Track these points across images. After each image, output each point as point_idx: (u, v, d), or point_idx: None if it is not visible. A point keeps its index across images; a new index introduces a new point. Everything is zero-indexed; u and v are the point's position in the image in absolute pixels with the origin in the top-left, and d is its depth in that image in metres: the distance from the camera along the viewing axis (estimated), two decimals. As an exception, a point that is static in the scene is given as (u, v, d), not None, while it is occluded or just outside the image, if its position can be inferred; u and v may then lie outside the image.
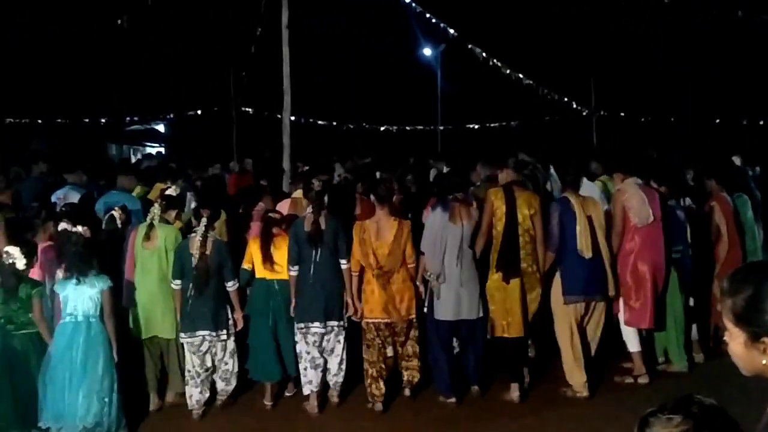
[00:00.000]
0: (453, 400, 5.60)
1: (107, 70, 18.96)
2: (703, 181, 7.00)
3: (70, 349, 4.86)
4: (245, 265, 5.60)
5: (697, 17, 13.69)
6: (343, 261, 5.51)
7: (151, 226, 5.45)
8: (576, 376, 5.73)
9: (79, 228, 5.05)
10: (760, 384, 1.69)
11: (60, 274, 5.17)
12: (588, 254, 5.60)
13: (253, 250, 5.59)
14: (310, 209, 5.56)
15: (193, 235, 5.37)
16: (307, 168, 9.08)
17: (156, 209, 5.49)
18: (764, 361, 1.62)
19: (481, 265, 5.69)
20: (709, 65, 16.20)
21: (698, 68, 16.61)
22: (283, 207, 6.30)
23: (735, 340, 1.67)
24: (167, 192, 6.04)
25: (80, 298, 4.89)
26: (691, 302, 6.42)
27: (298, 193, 6.42)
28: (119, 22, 12.62)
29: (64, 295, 4.92)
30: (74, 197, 6.95)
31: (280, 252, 5.54)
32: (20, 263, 4.92)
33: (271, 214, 5.70)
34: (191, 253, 5.30)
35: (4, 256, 4.91)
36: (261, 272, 5.59)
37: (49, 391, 4.83)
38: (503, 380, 5.80)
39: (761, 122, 15.15)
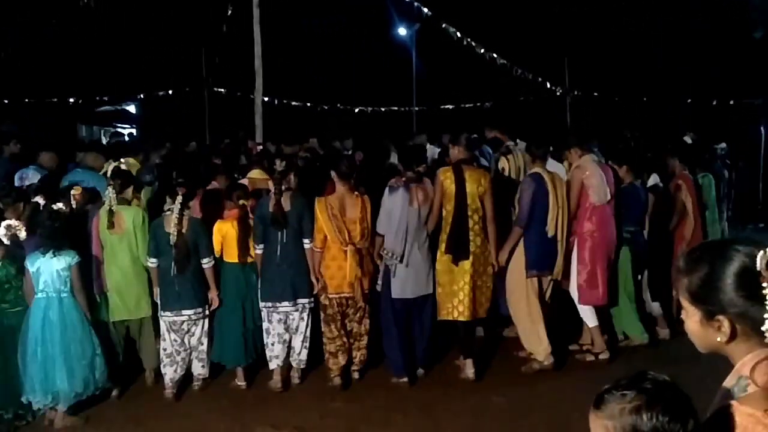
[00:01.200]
0: (405, 380, 5.60)
1: (76, 50, 18.57)
2: (667, 161, 7.08)
3: (45, 326, 4.88)
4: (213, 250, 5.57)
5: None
6: (306, 240, 5.51)
7: (111, 212, 5.37)
8: (537, 345, 5.76)
9: (59, 204, 5.09)
10: (724, 360, 1.71)
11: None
12: (552, 232, 5.65)
13: (224, 234, 5.56)
14: (273, 190, 5.53)
15: (168, 213, 5.35)
16: (260, 148, 9.12)
17: (111, 192, 5.41)
18: (719, 339, 1.64)
19: (431, 244, 5.70)
20: (680, 45, 16.34)
21: (670, 48, 16.75)
22: None
23: (691, 318, 1.70)
24: (120, 167, 5.93)
25: (50, 273, 4.90)
26: (646, 278, 6.53)
27: (255, 173, 6.40)
28: (85, 0, 12.39)
29: (34, 271, 4.91)
30: (35, 178, 6.89)
31: (245, 234, 5.58)
32: (22, 233, 4.95)
33: (243, 201, 5.65)
34: (167, 232, 5.27)
35: (5, 230, 4.87)
36: (231, 256, 5.56)
37: (31, 369, 4.86)
38: (457, 357, 5.85)
39: (731, 102, 15.34)
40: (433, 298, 5.69)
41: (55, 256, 4.90)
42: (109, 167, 5.93)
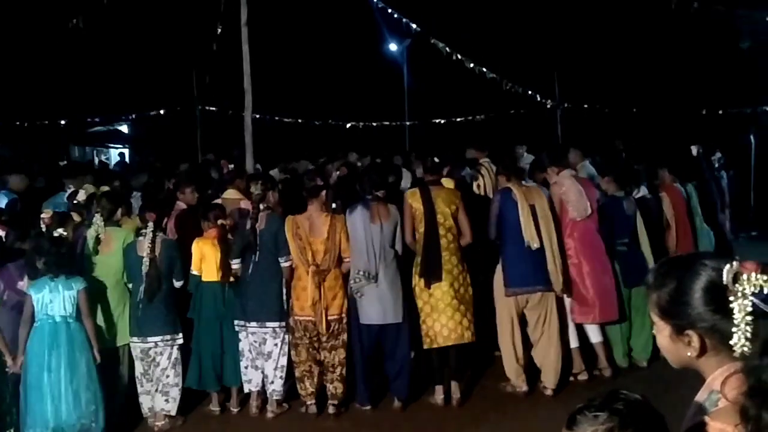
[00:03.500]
0: (368, 407, 5.50)
1: (66, 71, 18.61)
2: (657, 172, 7.09)
3: (51, 352, 4.82)
4: (194, 270, 5.52)
5: (655, 9, 13.90)
6: (281, 259, 5.42)
7: (98, 239, 5.34)
8: (514, 371, 5.68)
9: (61, 230, 5.09)
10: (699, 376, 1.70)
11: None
12: (536, 244, 5.57)
13: (203, 253, 5.53)
14: (251, 213, 5.47)
15: (141, 238, 5.31)
16: (231, 166, 9.11)
17: (98, 220, 5.38)
18: (689, 354, 1.64)
19: (406, 268, 5.57)
20: (668, 56, 16.45)
21: (658, 60, 16.85)
22: None
23: (661, 334, 1.70)
24: (100, 192, 5.92)
25: (57, 298, 4.86)
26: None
27: (229, 193, 6.38)
28: (74, 21, 12.41)
29: (39, 297, 4.86)
30: (2, 202, 6.88)
31: (220, 254, 5.52)
32: None
33: (221, 221, 5.63)
34: (140, 256, 5.24)
35: None
36: (210, 276, 5.52)
37: (31, 396, 4.77)
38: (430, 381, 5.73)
39: (720, 111, 15.43)
40: (406, 328, 5.51)
41: (65, 281, 4.91)
42: (69, 191, 5.90)
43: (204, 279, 5.53)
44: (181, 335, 5.44)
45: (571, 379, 6.02)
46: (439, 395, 5.61)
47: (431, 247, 5.46)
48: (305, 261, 5.35)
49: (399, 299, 5.47)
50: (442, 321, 5.46)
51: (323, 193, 5.56)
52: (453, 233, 5.55)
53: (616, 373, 6.14)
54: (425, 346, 5.59)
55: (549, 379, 5.76)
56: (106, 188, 6.47)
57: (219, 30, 13.87)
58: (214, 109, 18.47)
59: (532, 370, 5.85)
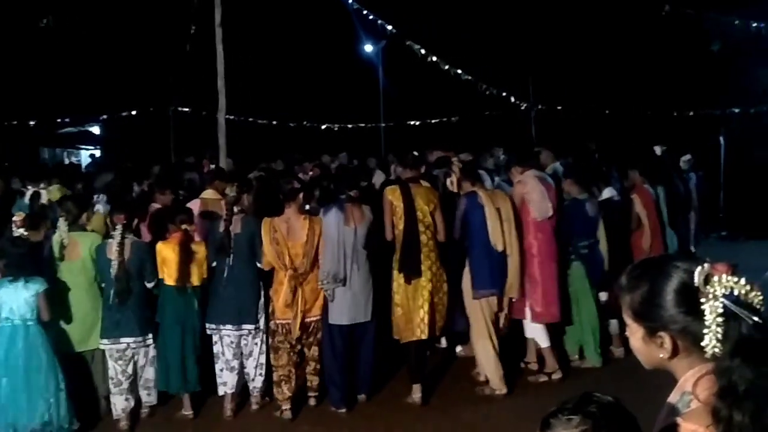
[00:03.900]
0: (343, 410, 5.50)
1: (36, 72, 18.28)
2: (627, 173, 7.15)
3: (10, 354, 4.77)
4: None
5: (628, 13, 14.08)
6: (259, 264, 5.42)
7: (62, 245, 5.26)
8: (494, 373, 5.71)
9: (21, 231, 5.05)
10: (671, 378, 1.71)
11: None
12: (500, 247, 5.61)
13: (163, 257, 5.46)
14: (224, 215, 5.44)
15: (110, 240, 5.24)
16: (213, 166, 9.07)
17: (62, 225, 5.30)
18: (662, 355, 1.65)
19: (385, 266, 5.60)
20: (641, 59, 16.65)
21: (631, 62, 17.04)
22: (193, 207, 6.20)
23: (634, 335, 1.70)
24: (61, 197, 5.84)
25: (16, 301, 4.80)
26: (603, 297, 6.42)
27: (208, 193, 6.33)
28: (45, 21, 12.21)
29: None
30: None
31: (189, 257, 5.44)
32: None
33: (185, 226, 5.56)
34: (109, 259, 5.18)
35: None
36: (170, 279, 5.45)
37: None
38: (405, 381, 5.76)
39: (690, 113, 15.66)
40: (373, 326, 5.55)
41: (24, 283, 4.83)
42: (28, 194, 5.83)
43: (166, 282, 5.47)
44: (152, 335, 5.41)
45: (545, 379, 6.04)
46: (416, 394, 5.61)
47: (411, 243, 5.50)
48: (282, 264, 5.32)
49: (370, 300, 5.53)
50: (420, 315, 5.51)
51: (301, 195, 5.53)
52: (432, 230, 5.61)
53: (576, 374, 6.18)
54: (403, 341, 5.59)
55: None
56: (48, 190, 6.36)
57: (192, 30, 13.77)
58: (187, 110, 18.32)
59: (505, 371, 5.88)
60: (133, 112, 18.87)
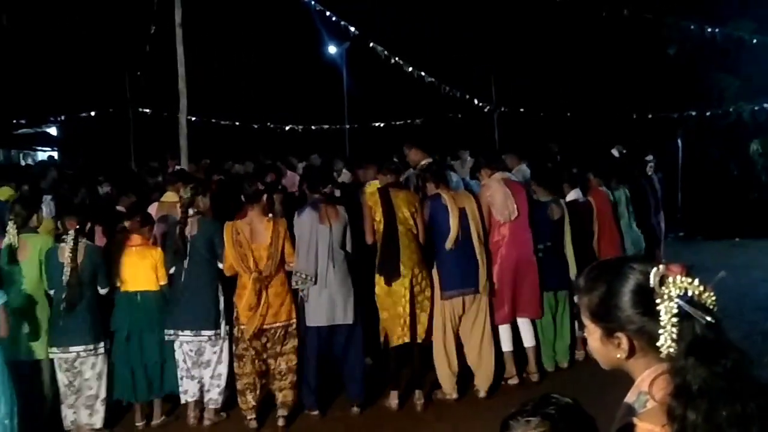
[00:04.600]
0: (316, 413, 5.42)
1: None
2: (586, 176, 7.24)
3: None
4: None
5: (588, 16, 14.29)
6: (220, 265, 5.31)
7: (10, 248, 5.08)
8: (445, 377, 5.70)
9: None
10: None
11: None
12: (449, 245, 5.61)
13: (119, 261, 5.36)
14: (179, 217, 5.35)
15: (62, 245, 5.10)
16: (178, 167, 8.95)
17: (11, 229, 5.13)
18: (619, 355, 1.66)
19: (368, 269, 5.57)
20: (601, 62, 16.90)
21: (592, 65, 17.29)
22: (151, 210, 6.10)
23: (592, 336, 1.72)
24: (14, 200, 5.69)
25: None
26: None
27: (168, 196, 6.23)
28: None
29: None
30: None
31: (144, 262, 5.29)
32: None
33: (125, 224, 5.46)
34: (62, 263, 5.03)
35: None
36: (121, 285, 5.32)
37: None
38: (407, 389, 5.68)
39: (649, 116, 15.95)
40: (359, 330, 5.50)
41: None
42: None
43: (121, 288, 5.36)
44: (103, 344, 5.24)
45: (503, 383, 6.07)
46: (393, 399, 5.58)
47: (389, 245, 5.48)
48: (246, 268, 5.22)
49: (350, 300, 5.43)
50: (400, 319, 5.47)
51: (264, 197, 5.46)
52: (413, 233, 5.60)
53: (543, 376, 6.23)
54: (391, 345, 5.56)
55: (483, 383, 5.82)
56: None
57: (152, 30, 13.57)
58: (147, 111, 18.03)
59: (463, 375, 5.88)
60: (92, 113, 18.51)
